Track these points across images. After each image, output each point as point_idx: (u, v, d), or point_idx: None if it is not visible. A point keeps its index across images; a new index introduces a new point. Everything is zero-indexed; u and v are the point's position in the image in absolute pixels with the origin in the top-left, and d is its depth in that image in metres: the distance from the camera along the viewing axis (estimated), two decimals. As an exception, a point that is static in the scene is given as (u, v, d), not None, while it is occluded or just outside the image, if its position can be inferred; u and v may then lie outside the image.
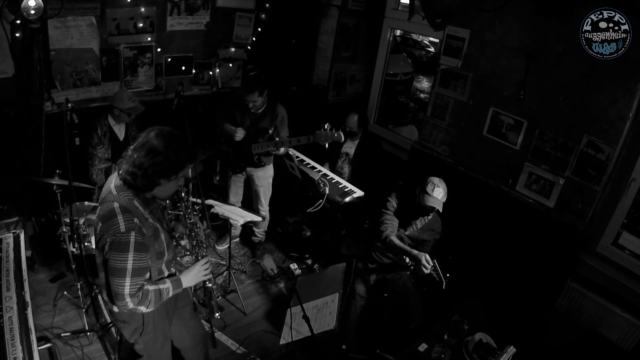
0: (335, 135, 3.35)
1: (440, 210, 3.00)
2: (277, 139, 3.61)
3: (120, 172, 1.92)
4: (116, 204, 1.88)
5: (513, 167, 3.35)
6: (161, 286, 2.04)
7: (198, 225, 2.41)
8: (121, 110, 3.62)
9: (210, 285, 2.53)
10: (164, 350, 2.35)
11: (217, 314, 2.84)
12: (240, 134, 3.70)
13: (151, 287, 2.00)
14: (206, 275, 2.25)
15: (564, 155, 3.05)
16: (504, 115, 3.34)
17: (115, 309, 2.06)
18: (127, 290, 1.89)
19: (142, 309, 1.98)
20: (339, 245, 4.07)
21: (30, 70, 3.59)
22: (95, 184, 3.79)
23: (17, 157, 3.79)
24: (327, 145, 3.44)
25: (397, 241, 2.97)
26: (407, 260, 2.94)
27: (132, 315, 2.09)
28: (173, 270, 2.23)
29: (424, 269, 2.78)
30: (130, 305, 1.93)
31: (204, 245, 2.42)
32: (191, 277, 2.19)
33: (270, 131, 3.65)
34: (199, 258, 2.31)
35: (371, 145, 4.22)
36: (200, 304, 3.34)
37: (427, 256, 2.80)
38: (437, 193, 2.93)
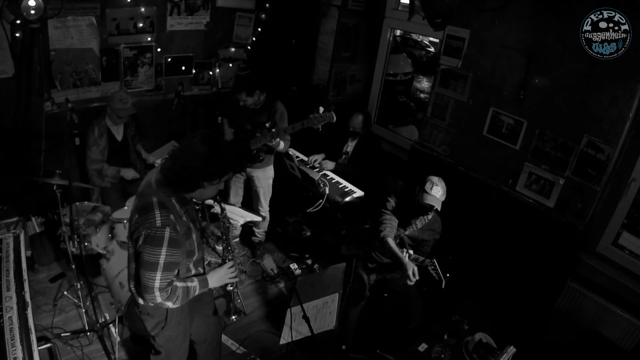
0: (327, 114, 3.35)
1: (439, 209, 3.00)
2: (273, 130, 3.62)
3: (164, 168, 1.97)
4: (154, 199, 1.93)
5: (513, 167, 3.35)
6: (189, 284, 2.09)
7: (230, 229, 2.45)
8: (112, 109, 3.63)
9: (231, 288, 2.57)
10: (182, 348, 2.38)
11: (233, 317, 2.89)
12: (228, 135, 3.81)
13: (179, 284, 2.04)
14: (231, 278, 2.30)
15: (564, 155, 3.05)
16: (504, 115, 3.34)
17: (141, 301, 2.09)
18: (157, 284, 1.93)
19: (169, 304, 2.02)
20: (339, 245, 4.07)
21: (30, 70, 3.59)
22: (94, 184, 3.79)
23: (17, 157, 3.79)
24: (320, 128, 3.42)
25: (392, 244, 2.96)
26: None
27: (156, 309, 2.12)
28: (201, 270, 2.26)
29: (408, 281, 2.80)
30: (159, 299, 1.97)
31: (234, 250, 2.46)
32: (218, 279, 2.24)
33: (267, 125, 3.66)
34: (226, 261, 2.39)
35: (370, 145, 4.22)
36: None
37: (415, 269, 2.81)
38: (436, 192, 2.94)
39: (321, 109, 3.36)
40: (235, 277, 2.32)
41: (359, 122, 4.06)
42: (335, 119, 3.37)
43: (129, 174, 3.82)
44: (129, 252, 2.09)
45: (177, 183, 1.96)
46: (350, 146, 4.22)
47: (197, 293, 2.14)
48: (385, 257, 3.19)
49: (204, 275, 2.20)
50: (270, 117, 3.67)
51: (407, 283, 2.82)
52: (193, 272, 2.18)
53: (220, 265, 2.32)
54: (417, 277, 2.80)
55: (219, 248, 4.24)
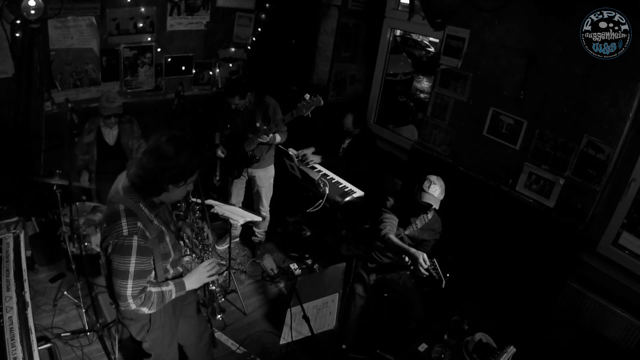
0: (315, 99, 3.37)
1: (437, 208, 3.01)
2: (264, 127, 3.62)
3: (129, 174, 1.93)
4: (121, 206, 1.89)
5: (513, 167, 3.35)
6: (164, 288, 2.05)
7: (205, 229, 2.43)
8: (98, 108, 3.62)
9: (213, 287, 2.54)
10: (172, 349, 2.35)
11: (218, 316, 2.88)
12: (220, 153, 3.85)
13: (154, 289, 2.01)
14: (210, 277, 2.25)
15: (564, 155, 3.05)
16: (504, 115, 3.34)
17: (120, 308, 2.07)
18: (129, 292, 1.91)
19: (145, 310, 1.99)
20: (339, 245, 4.07)
21: (30, 70, 3.59)
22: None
23: (17, 157, 3.79)
24: (310, 115, 3.43)
25: (395, 239, 2.98)
26: (406, 259, 2.94)
27: (137, 314, 2.10)
28: (180, 269, 2.23)
29: (420, 268, 2.78)
30: (133, 306, 1.94)
31: (209, 249, 2.43)
32: (195, 280, 2.19)
33: (257, 124, 3.66)
34: (203, 260, 2.33)
35: (364, 142, 4.22)
36: (200, 304, 3.34)
37: (425, 255, 2.79)
38: (433, 190, 2.94)
39: (307, 96, 3.39)
40: (213, 275, 2.26)
41: (350, 121, 4.09)
42: (322, 102, 3.39)
43: (83, 178, 3.69)
44: (101, 261, 2.06)
45: (143, 188, 1.91)
46: (346, 143, 4.24)
47: (173, 297, 2.09)
48: (385, 257, 3.19)
49: (180, 278, 2.16)
50: (264, 114, 3.67)
51: (421, 271, 2.79)
52: (171, 272, 2.15)
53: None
54: (429, 263, 2.78)
55: (220, 248, 4.26)
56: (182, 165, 1.89)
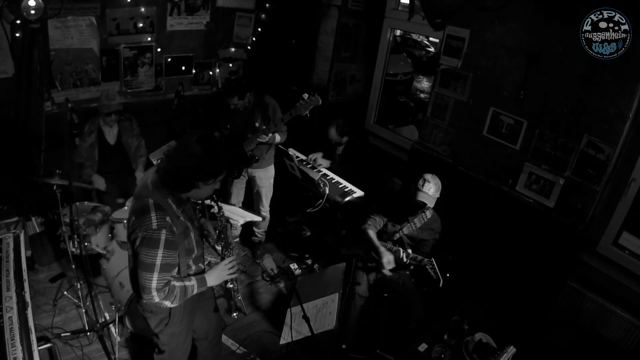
0: (313, 99, 3.38)
1: (431, 206, 3.02)
2: (264, 127, 3.62)
3: (159, 170, 1.99)
4: (151, 201, 1.95)
5: (513, 167, 3.35)
6: (187, 283, 2.10)
7: (228, 227, 2.47)
8: (98, 106, 3.63)
9: (231, 285, 2.58)
10: (185, 345, 2.40)
11: (234, 314, 2.90)
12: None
13: (177, 284, 2.06)
14: (230, 275, 2.31)
15: (564, 155, 3.05)
16: (504, 115, 3.34)
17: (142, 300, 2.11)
18: (154, 284, 1.96)
19: (167, 303, 2.04)
20: (339, 245, 4.07)
21: (30, 70, 3.59)
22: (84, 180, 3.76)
23: (17, 157, 3.79)
24: (308, 114, 3.44)
25: (372, 235, 3.08)
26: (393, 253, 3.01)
27: (159, 307, 2.14)
28: (202, 266, 2.28)
29: (382, 269, 2.89)
30: (156, 299, 1.99)
31: (231, 247, 2.47)
32: (215, 277, 2.25)
33: (257, 124, 3.66)
34: (225, 258, 2.40)
35: (358, 147, 4.21)
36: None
37: (391, 258, 2.87)
38: (428, 188, 2.96)
39: (306, 95, 3.39)
40: (234, 273, 2.33)
41: (334, 133, 4.06)
42: (320, 102, 3.40)
43: (99, 182, 3.73)
44: (128, 253, 2.12)
45: (172, 184, 1.98)
46: (340, 150, 4.23)
47: (195, 292, 2.15)
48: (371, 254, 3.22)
49: (202, 274, 2.21)
50: (263, 114, 3.67)
51: (382, 271, 2.93)
52: (193, 268, 2.20)
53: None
54: (393, 266, 2.91)
55: (219, 248, 4.26)
56: (211, 164, 1.97)
